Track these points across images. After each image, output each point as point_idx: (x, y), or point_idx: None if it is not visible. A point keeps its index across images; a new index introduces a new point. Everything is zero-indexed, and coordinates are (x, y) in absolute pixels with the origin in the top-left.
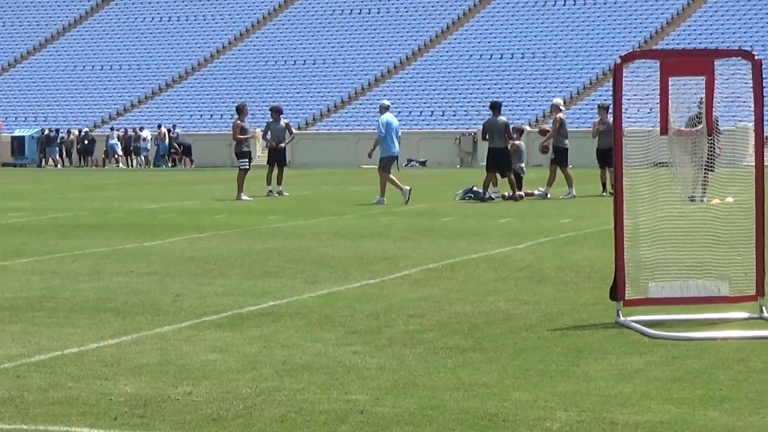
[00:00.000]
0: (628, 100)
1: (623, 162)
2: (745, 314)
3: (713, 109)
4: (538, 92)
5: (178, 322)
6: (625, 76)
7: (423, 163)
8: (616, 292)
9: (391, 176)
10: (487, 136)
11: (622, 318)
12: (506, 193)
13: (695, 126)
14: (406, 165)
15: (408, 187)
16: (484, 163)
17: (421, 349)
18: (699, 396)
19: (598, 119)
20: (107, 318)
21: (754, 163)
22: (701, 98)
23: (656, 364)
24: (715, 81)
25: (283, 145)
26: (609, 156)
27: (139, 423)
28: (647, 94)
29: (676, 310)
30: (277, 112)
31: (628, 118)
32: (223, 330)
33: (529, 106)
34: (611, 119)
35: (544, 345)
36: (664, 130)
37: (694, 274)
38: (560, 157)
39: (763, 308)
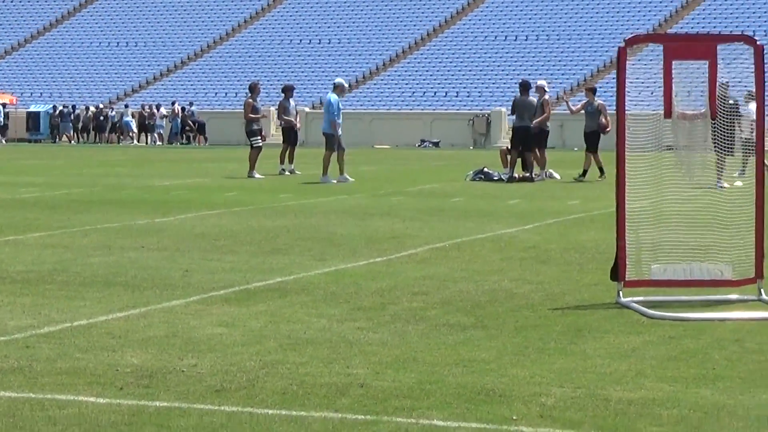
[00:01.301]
0: (632, 83)
1: (626, 145)
2: (744, 296)
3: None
4: (552, 74)
5: (186, 297)
6: (629, 61)
7: (436, 144)
8: (617, 272)
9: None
10: (515, 114)
11: (622, 298)
12: (518, 174)
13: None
14: (419, 145)
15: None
16: (500, 144)
17: (423, 325)
18: (693, 375)
19: (585, 101)
20: (117, 292)
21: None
22: (721, 82)
23: (653, 344)
24: (717, 65)
25: (298, 124)
26: (592, 139)
27: (144, 393)
28: (650, 78)
29: (677, 291)
30: (290, 90)
31: (631, 101)
32: (230, 305)
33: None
34: (597, 101)
35: (544, 323)
36: (668, 113)
37: (698, 257)
38: (542, 139)
39: (762, 290)
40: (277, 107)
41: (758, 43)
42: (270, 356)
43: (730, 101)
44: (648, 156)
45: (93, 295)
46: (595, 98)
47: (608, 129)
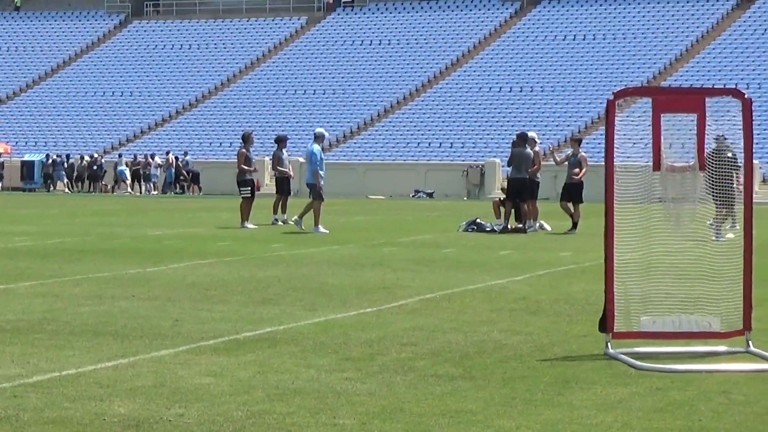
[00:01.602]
0: (621, 135)
1: (615, 196)
2: (732, 348)
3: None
4: (546, 126)
5: (176, 347)
6: (620, 115)
7: (430, 195)
8: (605, 324)
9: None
10: (512, 165)
11: (610, 349)
12: (511, 225)
13: (713, 160)
14: (413, 196)
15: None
16: (494, 195)
17: (411, 376)
18: (678, 426)
19: (570, 151)
20: (106, 341)
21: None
22: (719, 134)
23: (640, 395)
24: (706, 119)
25: (291, 174)
26: (577, 190)
27: None
28: (640, 131)
29: (665, 342)
30: (284, 141)
31: (621, 153)
32: (218, 355)
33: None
34: (581, 153)
35: (532, 374)
36: (657, 166)
37: (687, 309)
38: (533, 190)
39: (750, 342)
40: (271, 157)
41: (746, 96)
42: (257, 406)
43: (729, 153)
44: (637, 208)
45: (82, 345)
46: (580, 149)
47: (577, 177)
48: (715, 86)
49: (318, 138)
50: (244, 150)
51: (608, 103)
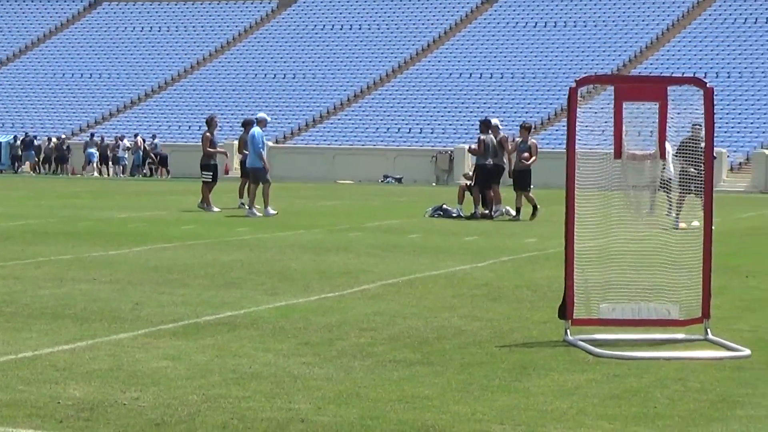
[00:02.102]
0: (581, 123)
1: (576, 184)
2: (691, 336)
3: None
4: (516, 113)
5: (134, 330)
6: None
7: (399, 180)
8: (564, 311)
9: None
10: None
11: (569, 336)
12: (484, 211)
13: (688, 148)
14: (381, 181)
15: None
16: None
17: (369, 361)
18: (633, 413)
19: (519, 139)
20: (65, 324)
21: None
22: (695, 122)
23: (596, 382)
24: (668, 107)
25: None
26: (524, 178)
27: (84, 426)
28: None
29: (625, 330)
30: (250, 124)
31: (580, 141)
32: (177, 338)
33: (505, 126)
34: (531, 140)
35: (490, 360)
36: (618, 154)
37: (646, 297)
38: (498, 176)
39: (708, 330)
40: (238, 141)
41: (708, 85)
42: (213, 390)
43: (702, 144)
44: (598, 195)
45: (40, 327)
46: (529, 137)
47: (527, 162)
48: (685, 75)
49: (260, 122)
50: (208, 134)
51: (570, 91)
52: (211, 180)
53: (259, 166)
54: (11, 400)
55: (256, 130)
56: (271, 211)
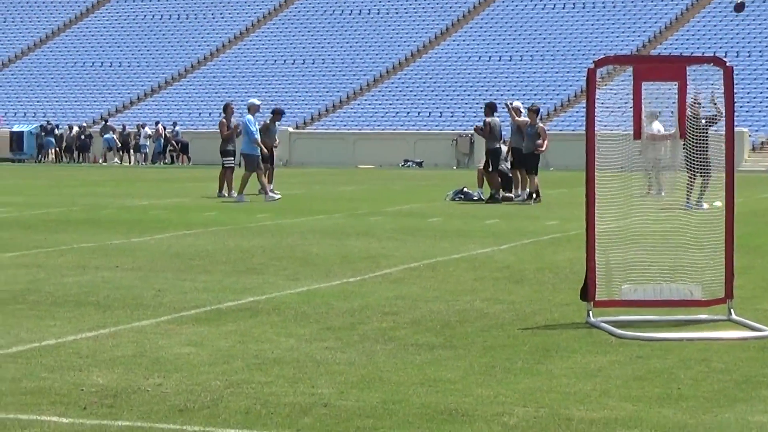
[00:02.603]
0: (601, 104)
1: (596, 165)
2: (714, 316)
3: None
4: (536, 95)
5: (157, 317)
6: (604, 87)
7: (420, 164)
8: (586, 292)
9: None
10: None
11: (592, 318)
12: (506, 194)
13: (691, 127)
14: (402, 165)
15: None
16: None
17: (391, 345)
18: (657, 394)
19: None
20: (88, 311)
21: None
22: (692, 101)
23: (620, 363)
24: (687, 87)
25: (275, 145)
26: (532, 161)
27: (108, 413)
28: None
29: (647, 311)
30: (279, 114)
31: (600, 122)
32: (200, 324)
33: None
34: (539, 124)
35: (512, 343)
36: (638, 134)
37: (668, 278)
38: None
39: (731, 310)
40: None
41: (727, 64)
42: (236, 376)
43: (702, 121)
44: (618, 176)
45: (64, 315)
46: (537, 120)
47: (542, 149)
48: (704, 54)
49: (251, 108)
50: (224, 120)
51: (589, 72)
52: (233, 165)
53: (250, 152)
54: (35, 388)
55: (248, 117)
56: (275, 195)
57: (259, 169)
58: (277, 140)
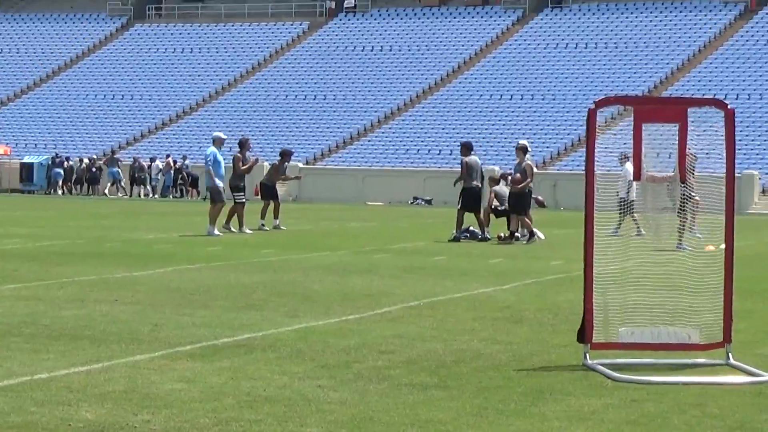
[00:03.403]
0: (603, 146)
1: (594, 206)
2: (712, 360)
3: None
4: (546, 134)
5: (152, 352)
6: (608, 131)
7: (429, 202)
8: (584, 334)
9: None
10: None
11: (589, 360)
12: (503, 234)
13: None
14: (411, 203)
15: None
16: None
17: (385, 385)
18: None
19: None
20: (82, 345)
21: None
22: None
23: (614, 407)
24: (688, 129)
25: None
26: (521, 201)
27: None
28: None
29: (645, 354)
30: (287, 155)
31: (599, 163)
32: (194, 360)
33: (536, 147)
34: (526, 162)
35: (507, 384)
36: (638, 176)
37: (666, 321)
38: (527, 202)
39: (729, 354)
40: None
41: (729, 107)
42: (225, 413)
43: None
44: (618, 217)
45: (58, 349)
46: (526, 159)
47: (519, 186)
48: (715, 96)
49: (216, 141)
50: (239, 155)
51: (589, 112)
52: (244, 200)
53: (214, 185)
54: (22, 422)
55: (210, 149)
56: (216, 232)
57: (222, 202)
58: (300, 174)
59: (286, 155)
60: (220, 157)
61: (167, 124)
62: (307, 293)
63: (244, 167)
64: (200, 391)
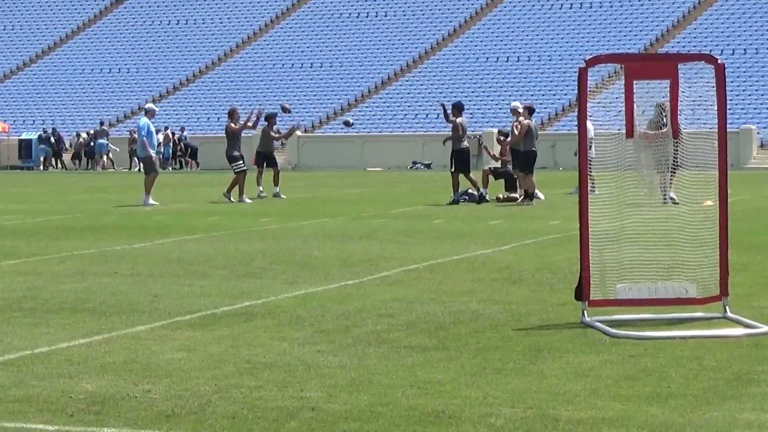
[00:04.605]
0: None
1: (588, 164)
2: (709, 314)
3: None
4: (543, 95)
5: (152, 322)
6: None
7: (428, 166)
8: (581, 292)
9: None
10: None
11: (587, 318)
12: (502, 195)
13: (656, 128)
14: (410, 167)
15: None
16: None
17: (384, 348)
18: (647, 393)
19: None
20: (82, 318)
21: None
22: (659, 102)
23: (611, 363)
24: (679, 85)
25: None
26: (528, 160)
27: (94, 420)
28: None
29: (644, 309)
30: (273, 117)
31: (594, 120)
32: (194, 329)
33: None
34: (524, 120)
35: (505, 344)
36: (630, 133)
37: (663, 276)
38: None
39: (727, 308)
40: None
41: (719, 62)
42: (225, 380)
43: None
44: (611, 175)
45: (58, 322)
46: (525, 119)
47: (504, 142)
48: (711, 52)
49: (148, 113)
50: (231, 124)
51: (580, 71)
52: (244, 168)
53: (144, 155)
54: (23, 396)
55: (142, 120)
56: (151, 201)
57: (155, 172)
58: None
59: (271, 118)
60: (152, 128)
61: (165, 96)
62: (307, 260)
63: (237, 127)
64: (200, 359)
